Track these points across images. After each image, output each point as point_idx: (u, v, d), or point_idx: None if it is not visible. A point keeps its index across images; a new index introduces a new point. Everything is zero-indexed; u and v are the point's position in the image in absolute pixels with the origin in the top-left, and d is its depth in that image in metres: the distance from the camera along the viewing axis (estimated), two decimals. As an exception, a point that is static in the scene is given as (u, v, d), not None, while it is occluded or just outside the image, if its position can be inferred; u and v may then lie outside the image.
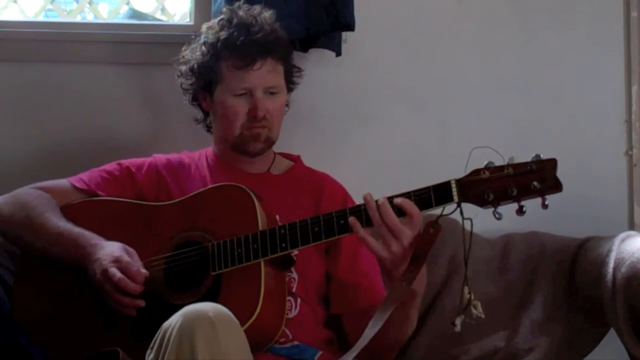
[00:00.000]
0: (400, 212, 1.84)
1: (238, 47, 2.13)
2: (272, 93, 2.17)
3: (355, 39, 2.61)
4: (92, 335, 2.02)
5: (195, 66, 2.20)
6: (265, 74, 2.15)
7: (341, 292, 2.13)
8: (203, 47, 2.19)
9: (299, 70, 2.29)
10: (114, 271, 1.93)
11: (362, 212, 1.88)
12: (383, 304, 1.87)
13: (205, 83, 2.20)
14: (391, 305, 1.84)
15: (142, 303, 1.95)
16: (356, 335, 1.91)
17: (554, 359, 2.35)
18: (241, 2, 2.25)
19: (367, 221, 1.87)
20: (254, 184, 2.07)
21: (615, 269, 2.27)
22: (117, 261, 1.95)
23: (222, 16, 2.22)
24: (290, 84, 2.25)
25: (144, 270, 1.96)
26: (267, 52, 2.15)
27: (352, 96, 2.71)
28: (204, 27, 2.24)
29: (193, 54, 2.22)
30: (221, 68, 2.16)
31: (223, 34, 2.16)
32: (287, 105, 2.26)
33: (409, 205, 1.84)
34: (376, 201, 1.86)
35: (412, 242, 1.84)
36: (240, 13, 2.19)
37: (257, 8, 2.21)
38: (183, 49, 2.27)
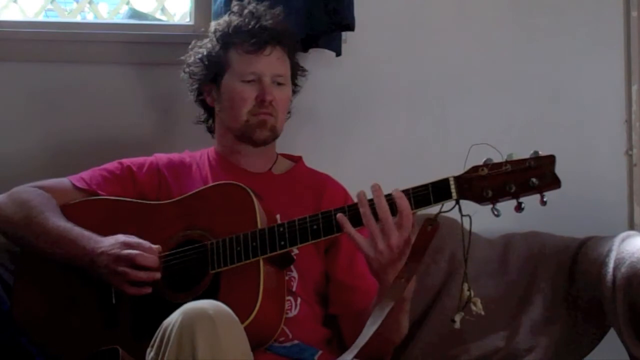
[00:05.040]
0: (392, 210, 1.84)
1: (249, 31, 2.17)
2: (279, 83, 2.19)
3: (355, 39, 2.62)
4: (92, 334, 2.02)
5: (205, 53, 2.22)
6: (274, 60, 2.18)
7: (339, 293, 2.14)
8: (213, 37, 2.22)
9: (304, 70, 2.31)
10: (128, 251, 1.94)
11: (357, 211, 1.88)
12: (380, 301, 1.87)
13: (213, 74, 2.21)
14: (389, 302, 1.83)
15: (159, 275, 1.96)
16: (352, 336, 1.91)
17: (554, 359, 2.35)
18: (245, 2, 2.26)
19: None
20: (256, 183, 2.07)
21: (615, 268, 2.27)
22: (125, 244, 1.96)
23: (232, 10, 2.25)
24: (294, 83, 2.27)
25: (155, 245, 1.97)
26: (277, 40, 2.19)
27: (352, 96, 2.71)
28: (213, 23, 2.27)
29: (203, 46, 2.24)
30: (231, 54, 2.19)
31: (234, 21, 2.20)
32: (289, 112, 2.27)
33: (400, 204, 1.84)
34: (370, 199, 1.86)
35: (399, 243, 1.84)
36: (250, 7, 2.23)
37: (264, 5, 2.24)
38: (190, 46, 2.28)
